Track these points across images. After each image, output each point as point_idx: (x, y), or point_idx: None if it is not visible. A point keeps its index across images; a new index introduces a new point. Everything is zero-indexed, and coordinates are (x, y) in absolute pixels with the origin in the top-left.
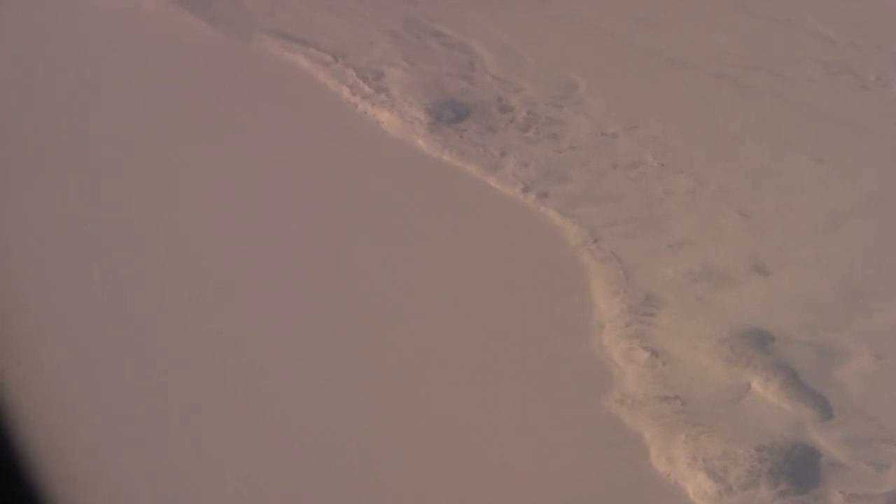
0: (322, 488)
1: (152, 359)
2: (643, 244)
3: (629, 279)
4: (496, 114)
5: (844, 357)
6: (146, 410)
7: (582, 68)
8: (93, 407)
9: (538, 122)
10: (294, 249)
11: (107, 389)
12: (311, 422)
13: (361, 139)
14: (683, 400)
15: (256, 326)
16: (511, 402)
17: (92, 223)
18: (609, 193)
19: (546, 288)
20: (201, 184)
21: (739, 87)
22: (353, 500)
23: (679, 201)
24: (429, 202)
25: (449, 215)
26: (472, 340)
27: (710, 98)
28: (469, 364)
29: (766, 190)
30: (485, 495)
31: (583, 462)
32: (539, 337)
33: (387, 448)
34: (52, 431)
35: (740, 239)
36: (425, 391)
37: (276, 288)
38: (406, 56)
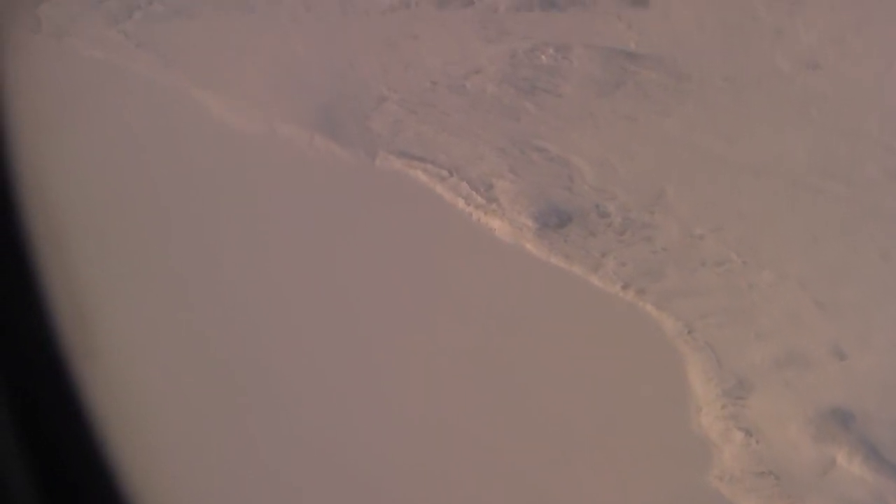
0: None
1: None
2: (733, 334)
3: (722, 366)
4: (595, 219)
5: None
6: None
7: (669, 177)
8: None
9: (633, 226)
10: (419, 341)
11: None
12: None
13: (477, 245)
14: (777, 474)
15: (376, 405)
16: (619, 478)
17: (220, 334)
18: (700, 289)
19: (647, 375)
20: (336, 290)
21: (811, 192)
22: None
23: (762, 294)
24: (539, 301)
25: (558, 312)
26: (583, 421)
27: (785, 202)
28: (579, 443)
29: (840, 283)
30: None
31: None
32: (643, 419)
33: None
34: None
35: (819, 327)
36: (536, 469)
37: (404, 377)
38: (512, 169)
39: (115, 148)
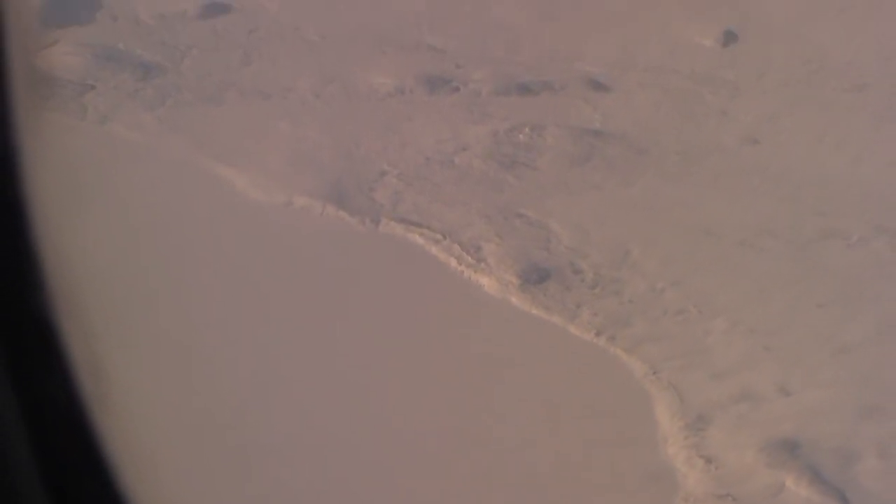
0: None
1: None
2: (692, 374)
3: (684, 402)
4: (570, 276)
5: (857, 458)
6: None
7: (634, 239)
8: None
9: (603, 281)
10: (415, 384)
11: None
12: None
13: (468, 299)
14: (735, 496)
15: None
16: (597, 502)
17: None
18: (663, 335)
19: (618, 411)
20: (343, 337)
21: (756, 250)
22: None
23: (717, 340)
24: (523, 346)
25: (539, 356)
26: (563, 451)
27: (734, 259)
28: (559, 471)
29: (784, 328)
30: None
31: None
32: (616, 449)
33: None
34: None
35: (767, 367)
36: (521, 493)
37: (397, 416)
38: (498, 233)
39: (151, 216)
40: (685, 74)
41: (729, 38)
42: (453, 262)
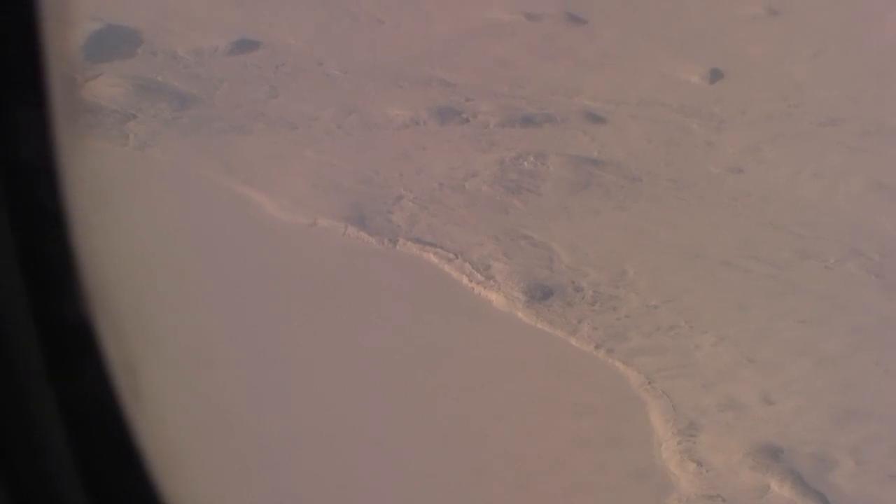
0: None
1: None
2: (684, 384)
3: (676, 410)
4: (572, 293)
5: (835, 464)
6: None
7: (629, 259)
8: None
9: (601, 298)
10: (429, 392)
11: None
12: None
13: (478, 314)
14: (724, 498)
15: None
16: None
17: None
18: (656, 348)
19: (616, 418)
20: (364, 346)
21: (740, 270)
22: None
23: (705, 353)
24: (529, 359)
25: (544, 367)
26: (564, 456)
27: (720, 278)
28: (561, 474)
29: (766, 343)
30: None
31: None
32: (614, 453)
33: None
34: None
35: (751, 378)
36: (524, 495)
37: (411, 424)
38: (505, 253)
39: (184, 232)
40: (675, 108)
41: (715, 75)
42: (464, 279)
